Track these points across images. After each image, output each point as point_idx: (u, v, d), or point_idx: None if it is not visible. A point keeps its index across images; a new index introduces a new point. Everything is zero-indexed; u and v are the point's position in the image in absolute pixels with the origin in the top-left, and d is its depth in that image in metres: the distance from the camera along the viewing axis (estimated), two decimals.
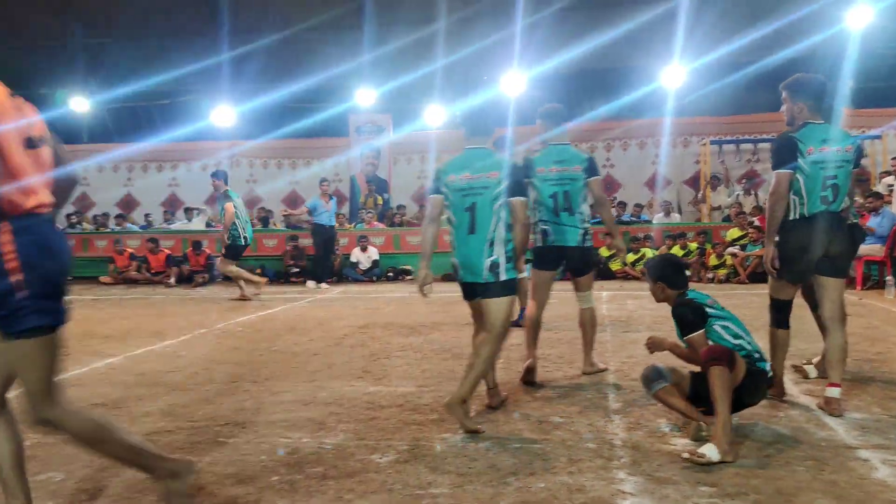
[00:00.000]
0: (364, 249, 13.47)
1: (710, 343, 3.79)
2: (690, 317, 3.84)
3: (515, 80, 14.44)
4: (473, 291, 4.29)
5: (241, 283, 10.52)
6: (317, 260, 12.65)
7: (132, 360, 6.38)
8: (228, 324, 8.34)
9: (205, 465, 3.67)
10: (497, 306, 4.17)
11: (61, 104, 15.82)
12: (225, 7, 15.09)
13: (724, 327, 3.85)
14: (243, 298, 10.49)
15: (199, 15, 16.11)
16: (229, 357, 6.40)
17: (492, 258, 4.13)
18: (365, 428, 4.24)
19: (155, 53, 15.85)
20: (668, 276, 4.00)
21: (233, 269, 10.44)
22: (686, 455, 3.53)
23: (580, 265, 5.25)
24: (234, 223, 10.26)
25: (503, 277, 4.15)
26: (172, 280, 13.24)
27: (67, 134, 16.23)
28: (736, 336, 3.85)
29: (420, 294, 4.28)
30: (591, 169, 5.18)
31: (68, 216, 16.35)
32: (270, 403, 4.81)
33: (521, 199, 4.15)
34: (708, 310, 3.88)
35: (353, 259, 13.57)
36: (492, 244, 4.12)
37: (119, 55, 16.13)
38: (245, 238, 10.37)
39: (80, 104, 15.85)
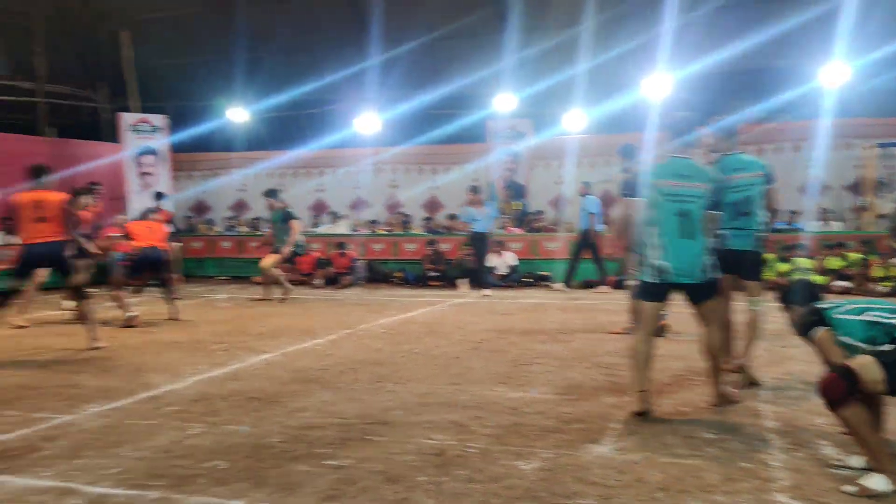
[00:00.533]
0: (499, 254, 13.51)
1: (839, 345, 3.55)
2: (803, 319, 3.73)
3: (660, 82, 14.04)
4: (682, 292, 4.58)
5: (286, 283, 11.39)
6: (480, 267, 12.57)
7: (286, 357, 6.70)
8: (371, 325, 8.60)
9: (355, 462, 3.80)
10: (716, 303, 4.67)
11: (221, 115, 16.92)
12: (371, 18, 15.62)
13: (849, 311, 3.58)
14: (282, 299, 11.28)
15: (346, 26, 16.77)
16: (373, 357, 6.60)
17: (707, 261, 4.54)
18: (508, 433, 4.25)
19: (305, 65, 16.63)
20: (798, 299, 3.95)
21: (277, 271, 11.22)
22: (852, 490, 3.29)
23: (753, 270, 5.31)
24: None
25: (714, 277, 4.62)
26: (319, 281, 13.82)
27: (227, 143, 17.34)
28: (862, 311, 3.57)
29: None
30: (770, 176, 5.34)
31: (227, 219, 17.46)
32: (414, 404, 4.92)
33: (717, 213, 4.62)
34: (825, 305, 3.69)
35: (489, 264, 13.63)
36: (705, 248, 4.53)
37: (273, 67, 17.05)
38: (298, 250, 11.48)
39: (238, 114, 16.88)
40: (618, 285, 12.12)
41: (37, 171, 7.22)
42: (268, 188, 12.26)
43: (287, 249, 11.07)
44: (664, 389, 5.22)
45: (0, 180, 14.09)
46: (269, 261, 11.18)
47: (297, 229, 11.11)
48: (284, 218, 11.27)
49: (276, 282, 11.38)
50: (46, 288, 9.51)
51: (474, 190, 12.52)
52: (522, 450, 3.95)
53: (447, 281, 13.55)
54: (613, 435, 4.21)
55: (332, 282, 13.84)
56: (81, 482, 3.60)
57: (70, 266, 7.12)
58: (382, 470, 3.68)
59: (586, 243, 12.26)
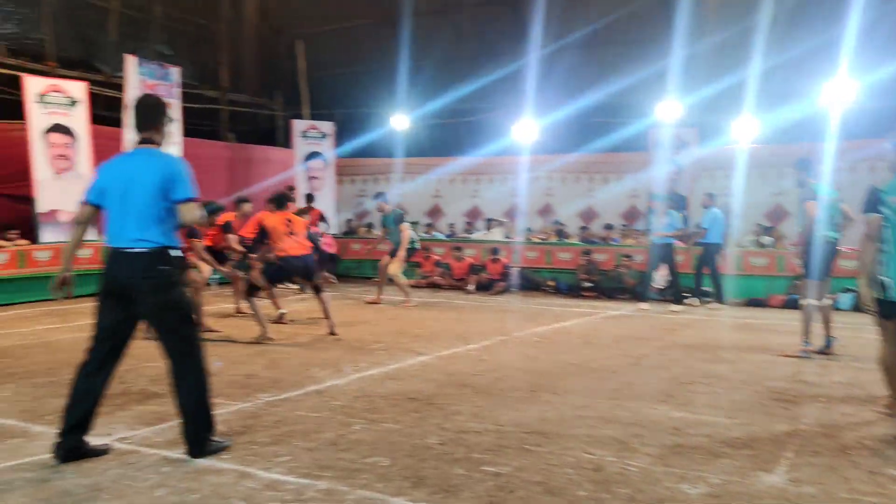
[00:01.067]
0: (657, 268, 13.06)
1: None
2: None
3: (843, 88, 13.07)
4: None
5: (408, 290, 11.47)
6: (675, 280, 12.15)
7: (441, 360, 6.83)
8: (524, 333, 8.59)
9: (513, 471, 3.80)
10: None
11: (384, 122, 17.55)
12: (531, 19, 15.62)
13: None
14: (376, 302, 11.39)
15: (506, 31, 16.91)
16: (528, 365, 6.58)
17: None
18: (670, 454, 4.10)
19: (464, 72, 16.91)
20: None
21: (403, 279, 11.39)
22: None
23: None
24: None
25: None
26: (472, 287, 13.98)
27: (388, 149, 17.94)
28: None
29: (864, 306, 4.60)
30: None
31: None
32: (572, 417, 4.86)
33: None
34: None
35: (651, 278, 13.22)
36: None
37: (434, 75, 17.48)
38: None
39: (400, 122, 17.44)
40: (789, 304, 11.43)
41: (279, 200, 8.45)
42: (377, 192, 12.55)
43: (402, 253, 11.28)
44: (840, 419, 4.85)
45: (198, 179, 15.42)
46: (395, 267, 11.37)
47: (407, 232, 11.36)
48: (396, 220, 11.47)
49: (400, 288, 11.51)
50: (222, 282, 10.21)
51: (657, 198, 12.18)
52: (687, 473, 3.80)
53: (601, 292, 13.30)
54: (786, 464, 3.96)
55: (485, 288, 13.95)
56: (257, 467, 3.84)
57: (314, 274, 8.36)
58: (541, 481, 3.65)
59: (707, 258, 11.87)
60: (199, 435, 3.97)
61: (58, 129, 11.96)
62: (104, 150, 10.52)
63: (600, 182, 16.47)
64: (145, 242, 3.83)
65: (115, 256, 3.89)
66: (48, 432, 4.32)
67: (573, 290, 13.76)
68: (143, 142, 4.02)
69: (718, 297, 11.97)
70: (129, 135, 11.80)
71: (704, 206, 12.18)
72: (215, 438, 4.06)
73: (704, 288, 12.28)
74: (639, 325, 9.62)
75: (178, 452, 4.03)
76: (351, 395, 5.43)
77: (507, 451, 4.13)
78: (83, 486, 3.56)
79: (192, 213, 3.88)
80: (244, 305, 9.52)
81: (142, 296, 3.83)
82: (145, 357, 6.84)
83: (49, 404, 5.01)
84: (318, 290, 8.39)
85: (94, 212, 4.00)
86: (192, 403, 3.93)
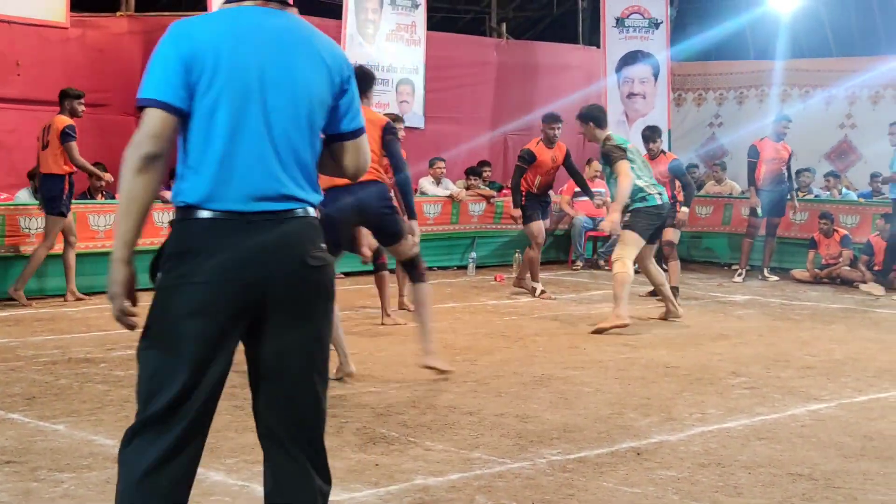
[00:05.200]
0: None
1: None
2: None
3: None
4: None
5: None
6: None
7: (850, 412, 6.54)
8: None
9: None
10: None
11: (755, 3, 17.09)
12: None
13: None
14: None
15: None
16: None
17: None
18: None
19: None
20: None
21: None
22: None
23: None
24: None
25: None
26: None
27: (763, 47, 17.44)
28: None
29: None
30: None
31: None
32: None
33: None
34: None
35: None
36: None
37: None
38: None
39: (783, 2, 16.89)
40: None
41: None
42: (581, 108, 10.79)
43: (613, 215, 9.82)
44: None
45: (451, 96, 16.02)
46: (619, 249, 10.03)
47: (627, 178, 9.67)
48: (609, 158, 9.87)
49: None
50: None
51: None
52: None
53: None
54: None
55: None
56: None
57: None
58: None
59: None
60: None
61: None
62: None
63: None
64: (300, 204, 3.21)
65: (235, 230, 3.10)
66: (228, 483, 4.66)
67: None
68: None
69: None
70: None
71: None
72: None
73: None
74: None
75: None
76: (692, 461, 5.34)
77: None
78: None
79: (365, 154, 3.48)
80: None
81: (297, 308, 3.17)
82: (366, 377, 7.24)
83: (230, 442, 5.42)
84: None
85: (174, 129, 3.11)
86: None
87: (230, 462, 5.10)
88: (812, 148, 16.47)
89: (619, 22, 16.81)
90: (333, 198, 6.51)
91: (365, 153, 3.45)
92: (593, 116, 9.94)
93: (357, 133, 3.39)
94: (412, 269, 7.56)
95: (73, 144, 10.20)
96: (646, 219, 9.65)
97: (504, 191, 14.34)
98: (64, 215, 10.33)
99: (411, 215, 7.49)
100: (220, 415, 5.88)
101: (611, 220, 9.66)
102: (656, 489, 4.85)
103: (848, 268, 13.64)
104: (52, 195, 10.28)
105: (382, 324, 9.52)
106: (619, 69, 16.69)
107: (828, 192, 15.68)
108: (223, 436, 5.54)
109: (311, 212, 3.21)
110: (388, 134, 7.24)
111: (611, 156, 9.60)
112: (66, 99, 10.51)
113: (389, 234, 7.28)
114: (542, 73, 17.02)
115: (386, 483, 4.84)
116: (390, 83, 14.86)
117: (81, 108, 10.56)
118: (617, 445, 5.59)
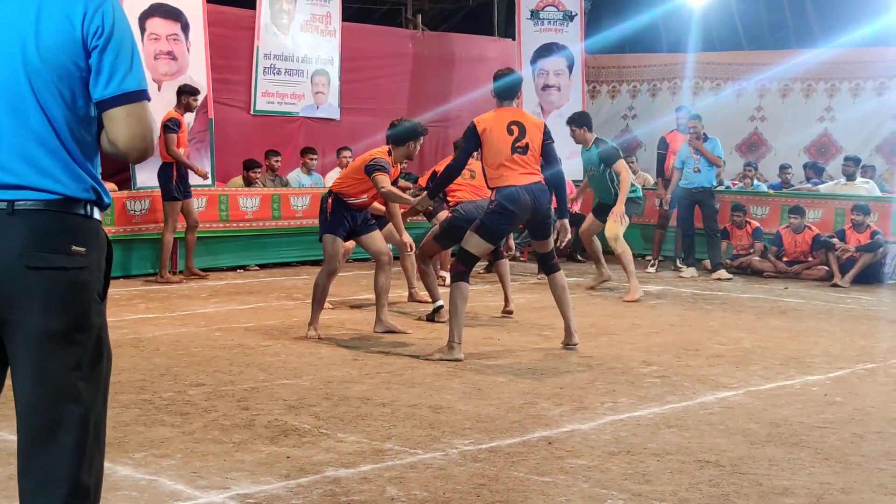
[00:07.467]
0: None
1: None
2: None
3: None
4: None
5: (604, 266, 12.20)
6: None
7: (758, 399, 6.63)
8: None
9: None
10: None
11: None
12: None
13: None
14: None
15: None
16: None
17: None
18: None
19: None
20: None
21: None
22: None
23: None
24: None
25: None
26: (843, 280, 13.28)
27: (676, 40, 17.64)
28: None
29: None
30: None
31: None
32: None
33: None
34: None
35: None
36: None
37: None
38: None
39: None
40: None
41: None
42: (573, 113, 12.17)
43: (621, 207, 11.32)
44: None
45: (366, 87, 15.92)
46: (614, 228, 11.42)
47: (627, 173, 11.49)
48: (605, 159, 11.27)
49: (595, 259, 12.20)
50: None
51: None
52: None
53: None
54: None
55: (845, 270, 13.27)
56: None
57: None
58: None
59: None
60: None
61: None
62: None
63: None
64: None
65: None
66: (136, 477, 4.61)
67: None
68: None
69: None
70: None
71: None
72: None
73: None
74: None
75: None
76: (602, 449, 5.38)
77: None
78: None
79: None
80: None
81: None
82: (279, 368, 7.22)
83: (139, 436, 5.38)
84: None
85: None
86: None
87: (138, 456, 5.05)
88: (723, 140, 16.73)
89: (534, 14, 16.92)
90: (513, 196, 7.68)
91: (141, 125, 2.88)
92: (586, 122, 11.52)
93: (121, 99, 2.83)
94: (549, 261, 8.22)
95: (173, 136, 11.44)
96: (630, 206, 11.52)
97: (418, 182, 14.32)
98: (178, 199, 11.57)
99: (563, 214, 8.52)
100: (128, 409, 5.94)
101: (618, 212, 11.16)
102: (567, 477, 4.87)
103: (758, 259, 13.97)
104: (164, 182, 11.54)
105: (507, 311, 9.93)
106: (533, 61, 16.79)
107: (740, 184, 15.96)
108: (131, 430, 5.49)
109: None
110: (549, 139, 8.00)
111: (611, 156, 11.16)
112: (181, 95, 11.78)
113: (547, 232, 8.13)
114: (458, 65, 17.10)
115: (297, 475, 4.82)
116: (305, 74, 14.80)
117: (196, 103, 12.01)
118: (529, 435, 5.62)
